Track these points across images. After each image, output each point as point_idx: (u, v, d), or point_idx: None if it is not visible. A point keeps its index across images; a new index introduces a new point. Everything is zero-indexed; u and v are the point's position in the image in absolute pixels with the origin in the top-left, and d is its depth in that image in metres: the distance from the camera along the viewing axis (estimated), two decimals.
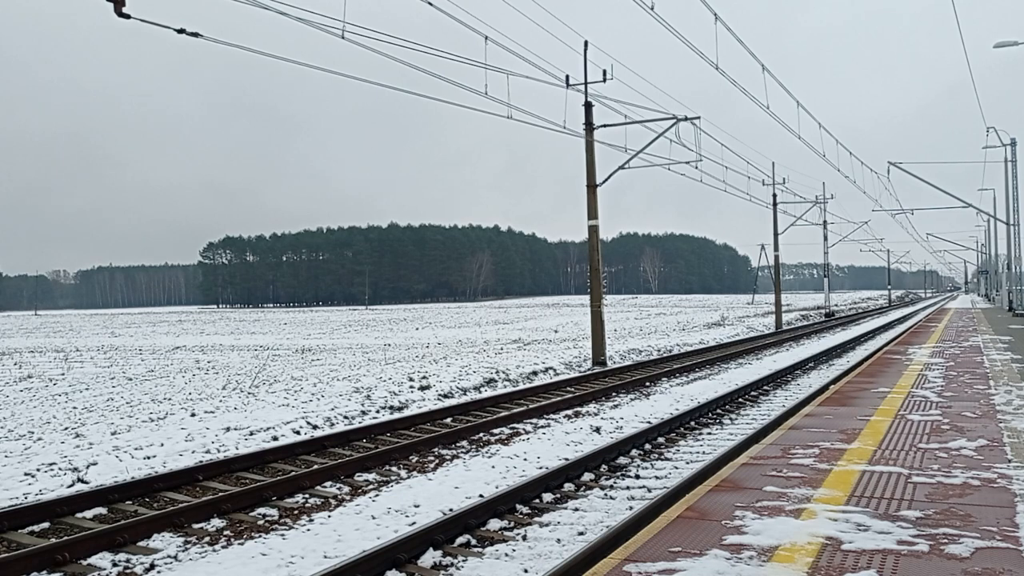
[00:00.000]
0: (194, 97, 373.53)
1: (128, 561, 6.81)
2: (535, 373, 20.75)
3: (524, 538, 7.07)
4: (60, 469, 10.01)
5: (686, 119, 22.92)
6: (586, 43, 22.62)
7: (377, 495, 8.76)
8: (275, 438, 12.09)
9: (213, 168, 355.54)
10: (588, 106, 23.07)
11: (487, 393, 17.11)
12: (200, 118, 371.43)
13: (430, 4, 13.77)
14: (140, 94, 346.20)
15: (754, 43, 20.35)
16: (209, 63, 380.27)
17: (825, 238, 57.47)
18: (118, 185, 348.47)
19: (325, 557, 6.70)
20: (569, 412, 14.50)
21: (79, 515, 8.08)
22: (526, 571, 6.22)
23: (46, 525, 7.83)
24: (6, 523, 7.60)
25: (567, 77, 22.65)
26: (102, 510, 8.28)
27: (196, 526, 7.70)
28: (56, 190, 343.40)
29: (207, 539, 7.39)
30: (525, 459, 10.37)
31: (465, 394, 17.18)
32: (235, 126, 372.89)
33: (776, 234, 46.66)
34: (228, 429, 12.50)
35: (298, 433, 12.53)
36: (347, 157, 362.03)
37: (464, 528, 7.16)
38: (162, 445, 11.34)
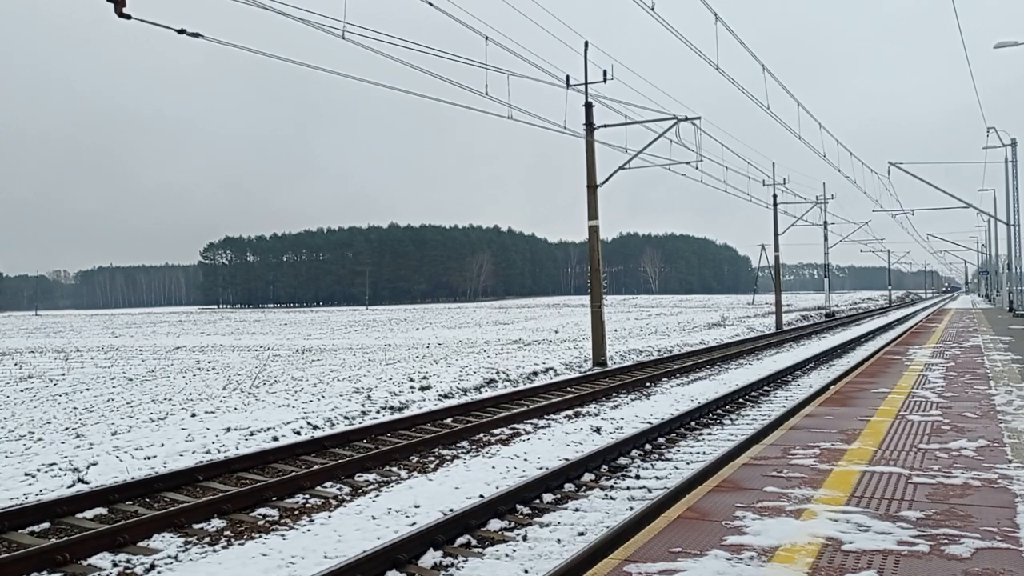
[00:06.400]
0: (202, 98, 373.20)
1: (128, 561, 6.81)
2: (535, 373, 20.75)
3: (524, 538, 7.07)
4: (60, 469, 10.01)
5: (686, 119, 22.92)
6: (586, 43, 22.63)
7: (377, 495, 8.76)
8: (275, 438, 12.09)
9: (219, 169, 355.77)
10: (588, 106, 23.07)
11: (487, 393, 17.10)
12: (208, 119, 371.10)
13: (430, 4, 13.77)
14: (147, 95, 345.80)
15: (757, 44, 20.35)
16: (217, 64, 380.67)
17: (825, 238, 57.44)
18: (121, 186, 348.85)
19: (325, 557, 6.70)
20: (569, 412, 14.49)
21: (79, 515, 8.08)
22: (526, 571, 6.22)
23: (46, 525, 7.83)
24: (6, 523, 7.61)
25: (567, 77, 22.65)
26: (102, 510, 8.28)
27: (196, 526, 7.70)
28: (60, 191, 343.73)
29: (207, 539, 7.39)
30: (525, 459, 10.37)
31: (465, 394, 17.18)
32: (246, 126, 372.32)
33: (776, 234, 46.66)
34: (228, 429, 12.51)
35: (298, 433, 12.53)
36: (356, 158, 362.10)
37: (464, 528, 7.16)
38: (162, 445, 11.35)
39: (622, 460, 10.25)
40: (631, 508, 7.85)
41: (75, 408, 16.78)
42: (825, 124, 28.59)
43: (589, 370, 21.88)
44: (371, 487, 9.21)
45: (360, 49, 13.61)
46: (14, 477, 9.74)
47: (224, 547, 7.17)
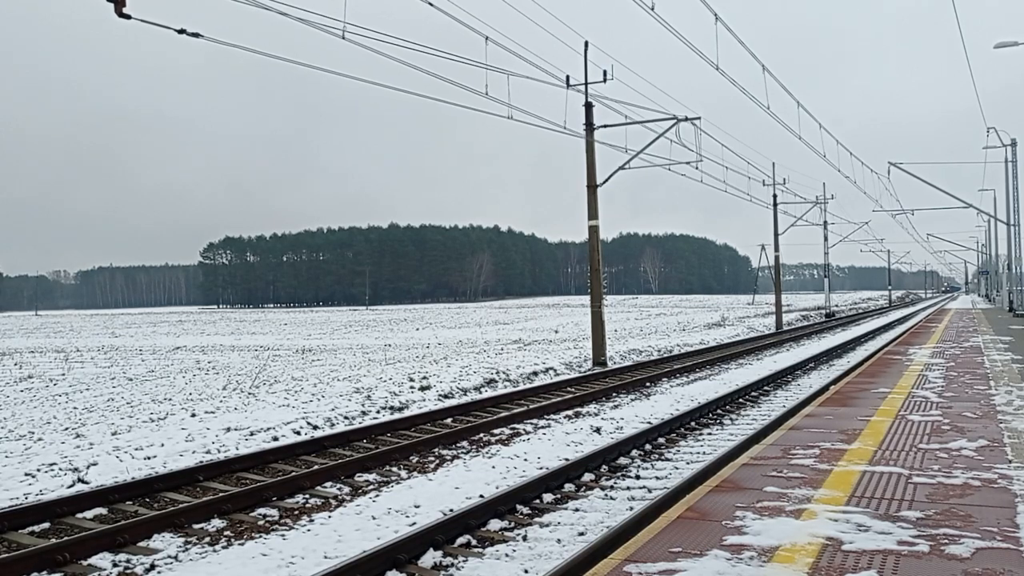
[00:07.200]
0: (202, 98, 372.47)
1: (128, 561, 6.81)
2: (535, 373, 20.75)
3: (524, 538, 7.07)
4: (60, 469, 10.01)
5: (686, 119, 22.93)
6: (586, 43, 22.64)
7: (377, 495, 8.76)
8: (275, 438, 12.09)
9: (219, 169, 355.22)
10: (588, 106, 23.08)
11: (487, 393, 17.10)
12: (208, 119, 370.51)
13: (430, 4, 13.77)
14: (147, 95, 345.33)
15: (757, 44, 20.34)
16: (217, 64, 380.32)
17: (825, 238, 57.44)
18: (121, 186, 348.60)
19: (325, 557, 6.70)
20: (569, 412, 14.49)
21: (79, 515, 8.08)
22: (526, 571, 6.22)
23: (46, 525, 7.83)
24: (7, 523, 7.61)
25: (567, 77, 22.66)
26: (102, 510, 8.28)
27: (196, 526, 7.70)
28: (60, 191, 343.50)
29: (207, 539, 7.39)
30: (525, 459, 10.37)
31: (465, 394, 17.18)
32: (246, 126, 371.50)
33: (776, 234, 46.67)
34: (228, 429, 12.51)
35: (298, 433, 12.53)
36: (356, 158, 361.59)
37: (464, 528, 7.16)
38: (162, 445, 11.35)
39: (622, 460, 10.25)
40: (631, 508, 7.85)
41: (75, 408, 16.78)
42: (825, 124, 28.61)
43: (589, 370, 21.89)
44: (371, 487, 9.21)
45: (360, 49, 13.62)
46: (14, 477, 9.74)
47: (224, 547, 7.17)
